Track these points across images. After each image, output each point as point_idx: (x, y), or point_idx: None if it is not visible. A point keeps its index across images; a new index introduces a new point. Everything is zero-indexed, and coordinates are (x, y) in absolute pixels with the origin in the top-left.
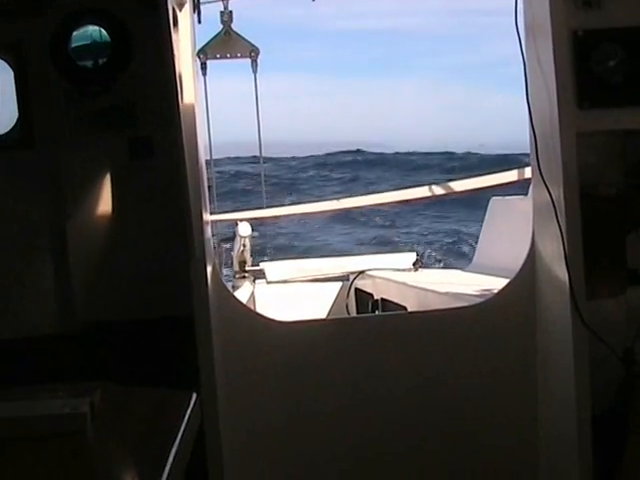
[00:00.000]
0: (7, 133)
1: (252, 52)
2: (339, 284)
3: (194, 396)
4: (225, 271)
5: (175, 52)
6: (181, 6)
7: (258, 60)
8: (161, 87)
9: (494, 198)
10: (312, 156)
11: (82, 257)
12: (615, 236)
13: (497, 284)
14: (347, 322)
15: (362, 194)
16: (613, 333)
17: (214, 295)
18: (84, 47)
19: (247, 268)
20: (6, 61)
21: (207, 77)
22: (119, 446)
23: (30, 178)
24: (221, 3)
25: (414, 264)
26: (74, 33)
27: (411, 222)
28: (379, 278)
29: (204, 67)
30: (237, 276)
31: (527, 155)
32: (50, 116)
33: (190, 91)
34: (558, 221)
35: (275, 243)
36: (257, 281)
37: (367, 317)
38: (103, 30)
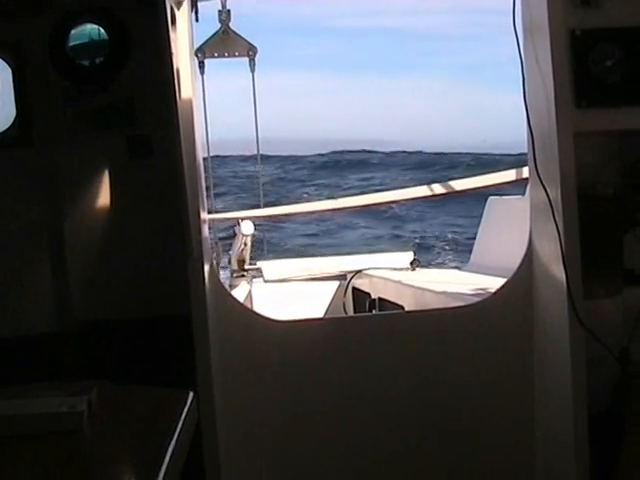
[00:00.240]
0: (5, 131)
1: (250, 51)
2: (336, 283)
3: (191, 395)
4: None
5: (173, 51)
6: (179, 5)
7: (256, 59)
8: (159, 85)
9: (492, 197)
10: (319, 154)
11: (80, 256)
12: (612, 236)
13: (494, 284)
14: (344, 321)
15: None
16: (610, 333)
17: (211, 294)
18: (82, 46)
19: (246, 267)
20: (5, 60)
21: (205, 75)
22: (116, 445)
23: (28, 176)
24: (219, 1)
25: (411, 263)
26: (72, 32)
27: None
28: (376, 277)
29: (202, 66)
30: (235, 275)
31: None
32: (48, 115)
33: (188, 89)
34: (555, 221)
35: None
36: (254, 280)
37: (364, 316)
38: (101, 29)
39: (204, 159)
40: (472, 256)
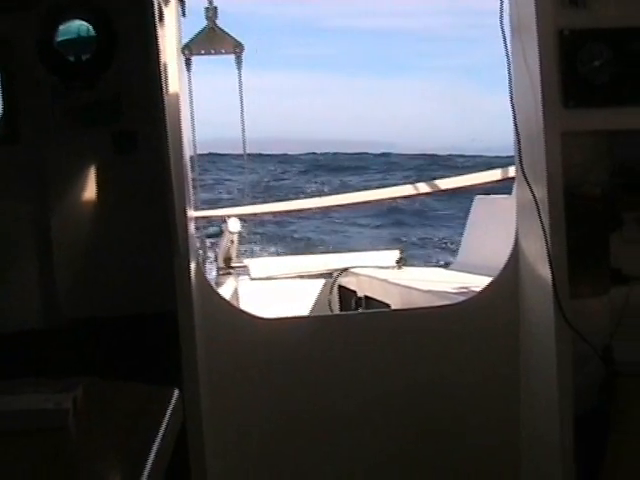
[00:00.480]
0: None
1: (236, 48)
2: (322, 281)
3: (176, 392)
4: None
5: (161, 47)
6: (167, 1)
7: (242, 56)
8: (147, 82)
9: (478, 197)
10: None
11: (66, 252)
12: (599, 235)
13: (480, 282)
14: (330, 319)
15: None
16: (596, 332)
17: (198, 291)
18: (69, 41)
19: (232, 264)
20: None
21: (192, 73)
22: (101, 442)
23: (14, 173)
24: None
25: (397, 262)
26: (60, 27)
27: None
28: (363, 275)
29: (188, 63)
30: (221, 272)
31: None
32: (35, 111)
33: (175, 86)
34: (541, 220)
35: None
36: (241, 277)
37: (350, 314)
38: (89, 25)
39: (191, 157)
40: (458, 255)
